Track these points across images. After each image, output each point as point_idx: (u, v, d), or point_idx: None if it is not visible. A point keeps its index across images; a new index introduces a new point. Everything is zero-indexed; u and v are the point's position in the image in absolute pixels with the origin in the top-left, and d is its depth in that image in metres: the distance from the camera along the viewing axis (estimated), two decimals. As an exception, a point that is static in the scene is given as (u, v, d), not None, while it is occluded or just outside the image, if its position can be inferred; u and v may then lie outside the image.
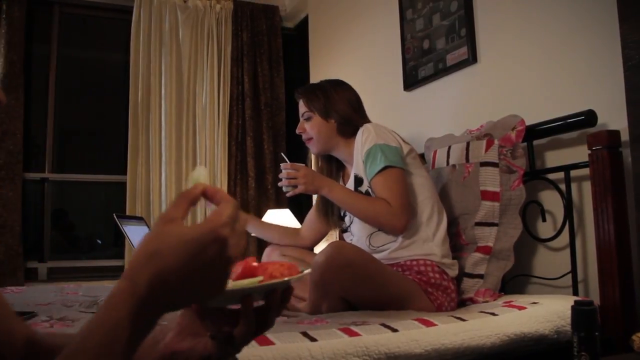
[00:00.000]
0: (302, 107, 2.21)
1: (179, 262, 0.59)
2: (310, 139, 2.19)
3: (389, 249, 1.98)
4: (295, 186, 2.03)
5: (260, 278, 0.72)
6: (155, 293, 0.58)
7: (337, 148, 2.18)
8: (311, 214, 2.37)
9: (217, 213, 0.63)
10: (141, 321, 0.59)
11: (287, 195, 2.11)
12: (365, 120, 2.17)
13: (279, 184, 2.10)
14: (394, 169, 1.94)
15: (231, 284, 0.70)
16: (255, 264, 0.74)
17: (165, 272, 0.59)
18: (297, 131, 2.22)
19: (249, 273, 0.73)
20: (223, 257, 0.61)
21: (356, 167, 2.08)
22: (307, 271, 0.80)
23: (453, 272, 1.96)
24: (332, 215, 2.23)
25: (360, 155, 2.03)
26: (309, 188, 2.01)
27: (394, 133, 2.06)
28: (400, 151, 2.00)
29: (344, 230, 2.24)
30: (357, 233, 2.09)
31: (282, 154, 2.27)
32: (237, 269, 0.73)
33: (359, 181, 2.07)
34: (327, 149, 2.20)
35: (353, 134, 2.12)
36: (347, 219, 2.17)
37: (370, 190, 2.01)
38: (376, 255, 1.98)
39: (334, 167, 2.27)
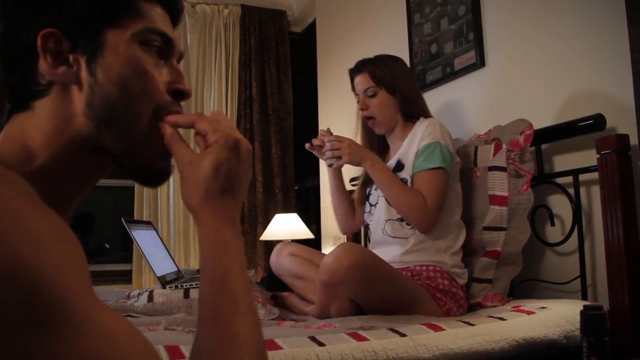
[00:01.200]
0: (365, 83, 2.11)
1: (223, 181, 0.70)
2: (372, 118, 2.12)
3: (401, 248, 1.99)
4: (339, 158, 2.01)
5: None
6: (224, 205, 0.70)
7: (392, 129, 2.15)
8: (354, 195, 2.33)
9: (210, 133, 0.71)
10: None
11: (331, 167, 2.11)
12: (423, 102, 2.15)
13: (323, 157, 2.08)
14: (444, 172, 1.95)
15: None
16: None
17: (217, 192, 0.69)
18: (360, 107, 2.14)
19: None
20: (243, 150, 0.71)
21: (403, 153, 2.05)
22: None
23: (462, 280, 1.96)
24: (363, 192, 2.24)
25: (416, 143, 2.00)
26: (354, 159, 2.00)
27: (453, 140, 2.07)
28: (454, 158, 2.01)
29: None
30: (377, 214, 2.09)
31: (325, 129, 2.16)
32: None
33: (399, 166, 2.05)
34: (391, 127, 2.14)
35: (410, 117, 2.10)
36: (372, 198, 2.16)
37: (408, 179, 1.99)
38: (387, 252, 2.00)
39: (375, 147, 2.22)
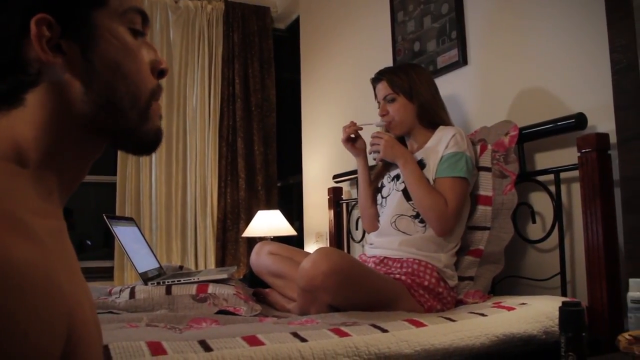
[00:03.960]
0: (384, 90, 2.19)
1: None
2: (391, 122, 2.18)
3: (403, 238, 2.01)
4: (378, 152, 2.11)
5: None
6: None
7: (412, 132, 2.20)
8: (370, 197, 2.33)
9: None
10: None
11: (375, 161, 2.21)
12: (444, 111, 2.20)
13: (369, 150, 2.21)
14: (466, 182, 1.99)
15: None
16: None
17: None
18: (380, 113, 2.21)
19: None
20: None
21: (426, 154, 2.08)
22: None
23: (452, 281, 1.97)
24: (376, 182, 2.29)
25: (441, 148, 2.03)
26: (387, 153, 2.08)
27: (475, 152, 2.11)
28: (473, 170, 2.05)
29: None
30: (389, 207, 2.13)
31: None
32: None
33: (421, 165, 2.07)
34: (407, 131, 2.21)
35: (429, 124, 2.15)
36: (384, 191, 2.20)
37: (429, 179, 2.02)
38: (387, 241, 2.04)
39: None
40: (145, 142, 0.72)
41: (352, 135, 2.28)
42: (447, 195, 1.96)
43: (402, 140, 2.26)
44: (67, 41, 0.63)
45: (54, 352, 0.51)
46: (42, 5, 0.61)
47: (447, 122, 2.16)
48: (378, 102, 2.24)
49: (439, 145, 2.04)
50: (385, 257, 2.02)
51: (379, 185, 2.24)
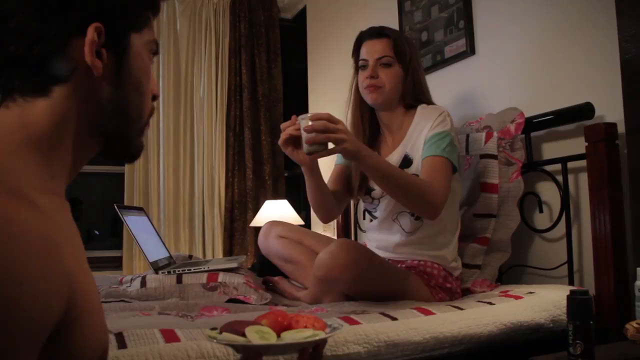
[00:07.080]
0: (384, 50, 1.93)
1: None
2: (378, 87, 1.93)
3: (400, 237, 1.96)
4: (324, 145, 1.58)
5: (310, 332, 0.87)
6: None
7: (392, 110, 2.00)
8: (332, 184, 2.07)
9: None
10: None
11: (312, 157, 1.66)
12: (429, 92, 2.04)
13: (308, 138, 1.57)
14: (451, 164, 1.84)
15: (287, 337, 0.86)
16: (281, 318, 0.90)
17: None
18: (369, 74, 1.93)
19: (285, 324, 0.89)
20: None
21: (411, 146, 1.94)
22: (337, 331, 0.94)
23: (458, 271, 1.97)
24: (360, 186, 2.01)
25: (425, 130, 1.88)
26: (353, 143, 1.59)
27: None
28: (458, 152, 1.92)
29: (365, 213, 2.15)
30: (387, 206, 1.97)
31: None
32: (269, 317, 0.89)
33: (407, 162, 1.94)
34: (387, 105, 1.98)
35: (408, 105, 1.99)
36: (375, 192, 2.00)
37: (417, 175, 1.86)
38: (385, 239, 2.01)
39: (367, 128, 2.03)
40: (133, 152, 0.81)
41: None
42: (434, 174, 1.79)
43: (373, 117, 2.06)
44: (107, 51, 0.70)
45: (53, 307, 0.54)
46: (98, 15, 0.68)
47: (431, 101, 2.02)
48: (363, 60, 1.97)
49: (423, 130, 1.90)
50: (388, 259, 1.97)
51: (368, 187, 2.03)
